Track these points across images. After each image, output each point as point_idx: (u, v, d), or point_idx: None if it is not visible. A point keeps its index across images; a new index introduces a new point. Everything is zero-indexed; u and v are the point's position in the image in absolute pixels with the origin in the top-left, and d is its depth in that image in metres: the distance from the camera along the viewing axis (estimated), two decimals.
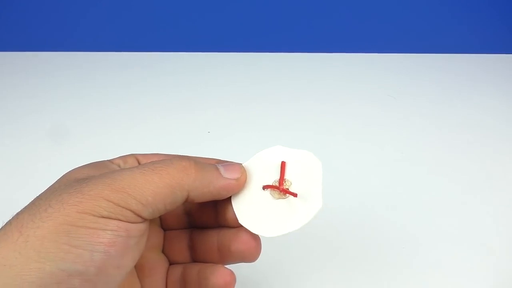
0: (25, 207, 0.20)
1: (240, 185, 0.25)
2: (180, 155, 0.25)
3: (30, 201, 0.21)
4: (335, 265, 0.36)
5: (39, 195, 0.21)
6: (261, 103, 0.58)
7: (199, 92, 0.61)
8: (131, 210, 0.20)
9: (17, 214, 0.20)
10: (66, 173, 0.23)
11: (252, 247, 0.24)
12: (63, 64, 0.67)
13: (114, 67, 0.67)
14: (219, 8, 0.70)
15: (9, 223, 0.19)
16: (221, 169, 0.24)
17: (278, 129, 0.53)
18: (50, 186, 0.22)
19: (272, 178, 0.25)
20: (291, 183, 0.25)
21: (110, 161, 0.25)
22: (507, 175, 0.46)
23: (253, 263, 0.25)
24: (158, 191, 0.21)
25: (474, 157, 0.48)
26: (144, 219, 0.21)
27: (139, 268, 0.26)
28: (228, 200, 0.25)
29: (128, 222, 0.20)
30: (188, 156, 0.25)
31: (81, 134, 0.52)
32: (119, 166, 0.24)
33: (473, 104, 0.58)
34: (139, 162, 0.25)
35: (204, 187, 0.23)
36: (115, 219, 0.20)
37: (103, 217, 0.19)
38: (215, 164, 0.24)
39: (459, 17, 0.71)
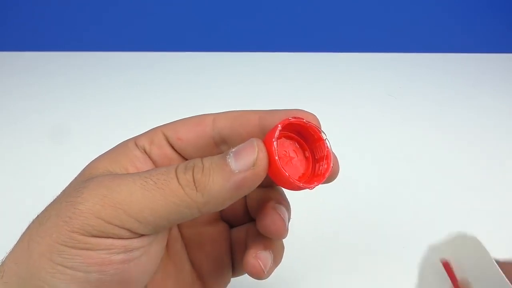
0: (39, 214, 0.20)
1: (258, 174, 0.19)
2: (183, 164, 0.19)
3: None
4: (335, 265, 0.36)
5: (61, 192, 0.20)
6: (261, 103, 0.58)
7: (199, 92, 0.61)
8: (125, 229, 0.18)
9: (34, 219, 0.19)
10: (87, 166, 0.22)
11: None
12: (63, 64, 0.67)
13: (114, 67, 0.67)
14: (219, 8, 0.70)
15: (23, 235, 0.19)
16: (231, 160, 0.19)
17: None
18: (71, 182, 0.21)
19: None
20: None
21: (136, 141, 0.23)
22: (507, 175, 0.46)
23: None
24: (158, 209, 0.18)
25: (475, 156, 0.48)
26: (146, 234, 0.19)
27: (195, 245, 0.25)
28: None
29: (124, 239, 0.18)
30: (195, 162, 0.19)
31: (81, 134, 0.52)
32: (144, 149, 0.22)
33: (473, 104, 0.58)
34: (167, 139, 0.23)
35: (218, 197, 0.18)
36: (107, 237, 0.18)
37: (93, 236, 0.18)
38: (224, 157, 0.19)
39: (459, 16, 0.72)
